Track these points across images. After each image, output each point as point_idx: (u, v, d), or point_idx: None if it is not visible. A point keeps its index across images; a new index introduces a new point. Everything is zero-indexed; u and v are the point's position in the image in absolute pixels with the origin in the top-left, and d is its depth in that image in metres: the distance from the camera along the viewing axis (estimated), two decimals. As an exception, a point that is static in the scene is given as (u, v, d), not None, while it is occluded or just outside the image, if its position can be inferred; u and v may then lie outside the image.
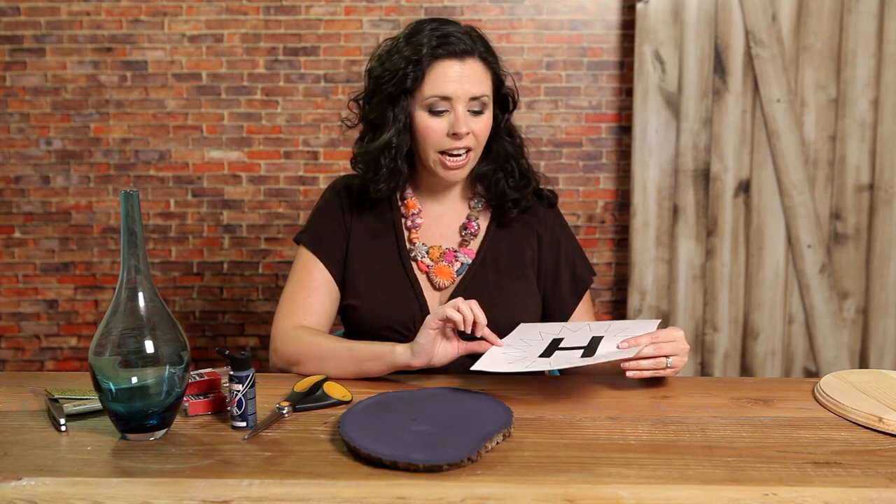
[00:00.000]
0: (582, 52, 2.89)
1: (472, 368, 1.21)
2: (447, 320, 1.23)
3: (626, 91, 2.90)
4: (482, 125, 1.39)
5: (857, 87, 2.70)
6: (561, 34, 2.88)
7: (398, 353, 1.27)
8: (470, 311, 1.23)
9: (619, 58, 2.89)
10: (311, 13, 2.87)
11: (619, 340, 1.24)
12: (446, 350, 1.26)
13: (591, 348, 1.24)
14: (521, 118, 2.85)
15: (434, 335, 1.24)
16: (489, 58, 1.40)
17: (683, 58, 2.73)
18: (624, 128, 2.92)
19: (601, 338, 1.27)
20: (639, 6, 2.71)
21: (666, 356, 1.23)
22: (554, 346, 1.26)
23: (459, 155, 1.38)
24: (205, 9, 2.87)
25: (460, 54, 1.36)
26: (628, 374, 1.23)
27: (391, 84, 1.37)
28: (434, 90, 1.36)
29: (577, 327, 1.35)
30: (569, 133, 2.93)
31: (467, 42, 1.37)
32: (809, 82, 2.70)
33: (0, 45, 2.89)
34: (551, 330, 1.34)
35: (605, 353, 1.21)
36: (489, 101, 1.39)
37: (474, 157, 1.41)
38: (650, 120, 2.76)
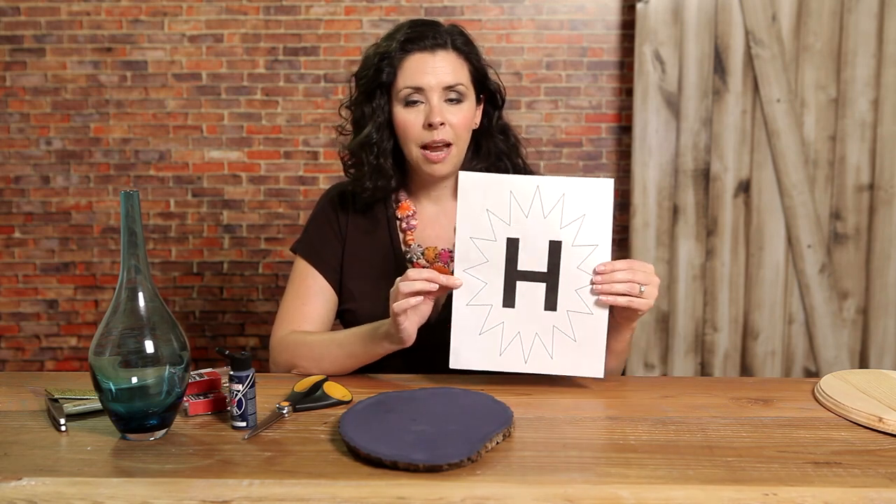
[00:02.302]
0: (582, 52, 2.89)
1: (451, 367, 1.24)
2: (407, 309, 1.22)
3: (626, 91, 2.90)
4: (460, 116, 1.38)
5: (857, 87, 2.70)
6: (561, 34, 2.88)
7: (388, 347, 1.29)
8: (420, 283, 1.20)
9: (619, 58, 2.89)
10: (311, 13, 2.88)
11: (576, 251, 1.21)
12: (421, 311, 1.24)
13: (551, 273, 1.21)
14: (521, 118, 2.85)
15: (407, 323, 1.23)
16: (465, 50, 1.40)
17: (683, 58, 2.73)
18: (624, 128, 2.92)
19: (559, 245, 1.21)
20: (639, 6, 2.71)
21: (640, 283, 1.21)
22: (513, 268, 1.22)
23: (439, 148, 1.38)
24: (205, 9, 2.87)
25: (431, 48, 1.38)
26: (601, 297, 1.21)
27: (366, 81, 1.42)
28: (406, 82, 1.38)
29: (528, 198, 1.22)
30: (569, 133, 2.93)
31: (439, 37, 1.38)
32: (809, 82, 2.70)
33: (0, 45, 2.89)
34: (502, 213, 1.22)
35: (567, 303, 1.21)
36: (466, 91, 1.39)
37: (457, 151, 1.40)
38: (650, 120, 2.76)
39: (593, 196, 1.22)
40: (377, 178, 1.44)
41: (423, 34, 1.38)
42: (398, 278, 1.23)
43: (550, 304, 1.23)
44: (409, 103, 1.38)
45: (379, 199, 1.47)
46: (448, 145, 1.39)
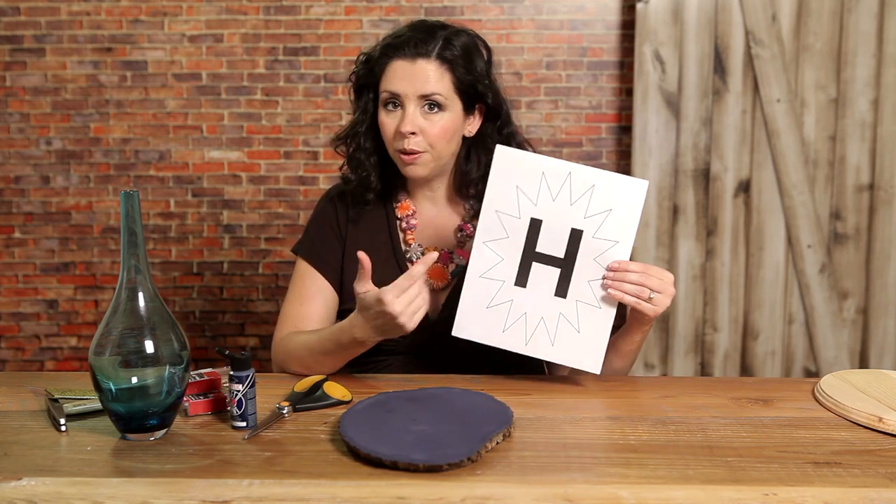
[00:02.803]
0: (582, 52, 2.89)
1: (453, 334, 1.26)
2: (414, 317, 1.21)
3: (626, 91, 2.90)
4: (438, 126, 1.37)
5: (857, 87, 2.70)
6: (561, 34, 2.88)
7: (370, 342, 1.28)
8: (418, 298, 1.19)
9: (619, 58, 2.89)
10: (311, 13, 2.87)
11: (596, 243, 1.22)
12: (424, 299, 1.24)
13: (568, 260, 1.22)
14: (521, 118, 2.85)
15: (412, 323, 1.22)
16: (451, 60, 1.38)
17: (683, 58, 2.73)
18: (624, 128, 2.92)
19: (580, 234, 1.22)
20: (639, 6, 2.71)
21: (651, 289, 1.22)
22: (531, 249, 1.23)
23: (413, 153, 1.38)
24: (205, 9, 2.87)
25: (411, 56, 1.37)
26: (609, 291, 1.22)
27: (355, 80, 1.45)
28: (386, 86, 1.39)
29: (558, 183, 1.23)
30: (569, 133, 2.93)
31: (421, 46, 1.37)
32: (809, 82, 2.70)
33: (0, 45, 2.89)
34: (530, 192, 1.23)
35: (578, 293, 1.23)
36: (446, 101, 1.38)
37: (431, 158, 1.39)
38: (650, 120, 2.76)
39: (624, 193, 1.22)
40: (360, 172, 1.46)
41: (408, 41, 1.37)
42: (390, 289, 1.19)
43: (561, 290, 1.24)
44: (389, 107, 1.39)
45: (365, 192, 1.47)
46: (421, 152, 1.38)
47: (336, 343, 1.29)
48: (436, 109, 1.38)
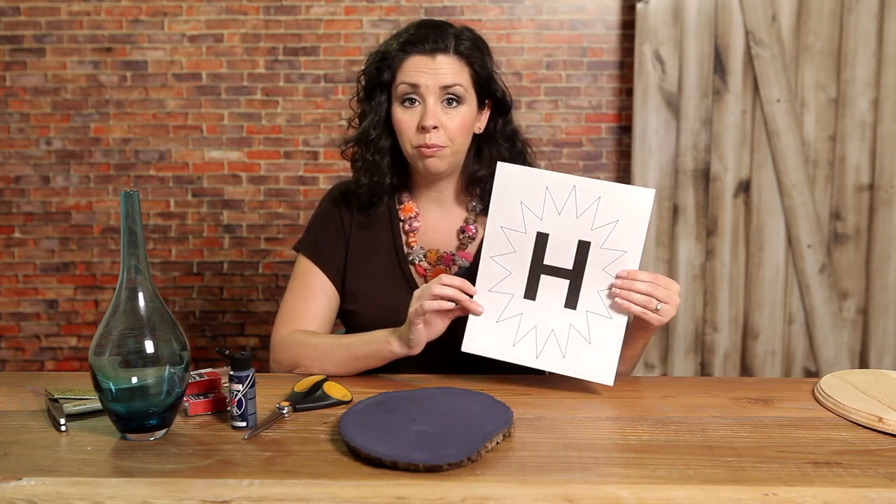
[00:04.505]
0: (582, 52, 2.89)
1: (463, 349, 1.25)
2: (429, 311, 1.23)
3: (626, 91, 2.90)
4: (458, 120, 1.38)
5: (857, 87, 2.70)
6: (561, 34, 2.88)
7: (395, 350, 1.29)
8: (451, 290, 1.22)
9: (619, 58, 2.89)
10: (311, 13, 2.88)
11: (604, 253, 1.22)
12: (437, 324, 1.26)
13: (577, 271, 1.22)
14: (521, 118, 2.85)
15: (423, 327, 1.25)
16: (468, 54, 1.39)
17: (683, 58, 2.73)
18: (624, 128, 2.92)
19: (588, 245, 1.22)
20: (639, 6, 2.71)
21: (658, 299, 1.22)
22: (539, 262, 1.23)
23: (434, 146, 1.38)
24: (205, 9, 2.87)
25: (430, 51, 1.37)
26: (616, 300, 1.22)
27: (367, 79, 1.43)
28: (403, 78, 1.38)
29: (563, 196, 1.22)
30: (569, 133, 2.93)
31: (440, 41, 1.38)
32: (809, 82, 2.70)
33: (0, 45, 2.89)
34: (535, 207, 1.23)
35: (588, 304, 1.23)
36: (465, 94, 1.39)
37: (450, 152, 1.39)
38: (650, 120, 2.76)
39: (631, 203, 1.21)
40: (372, 175, 1.44)
41: (425, 37, 1.37)
42: (429, 283, 1.24)
43: (571, 302, 1.23)
44: (406, 103, 1.38)
45: (375, 196, 1.47)
46: (442, 147, 1.38)
47: (368, 340, 1.32)
48: (455, 104, 1.38)
